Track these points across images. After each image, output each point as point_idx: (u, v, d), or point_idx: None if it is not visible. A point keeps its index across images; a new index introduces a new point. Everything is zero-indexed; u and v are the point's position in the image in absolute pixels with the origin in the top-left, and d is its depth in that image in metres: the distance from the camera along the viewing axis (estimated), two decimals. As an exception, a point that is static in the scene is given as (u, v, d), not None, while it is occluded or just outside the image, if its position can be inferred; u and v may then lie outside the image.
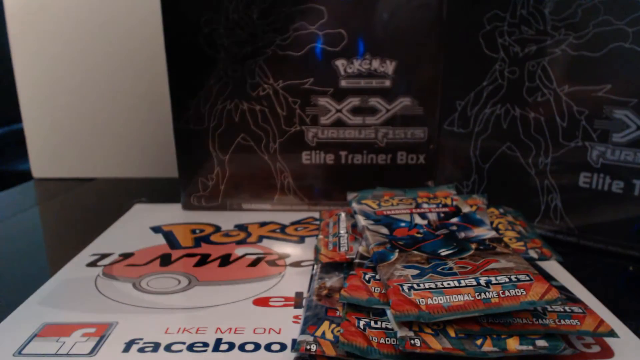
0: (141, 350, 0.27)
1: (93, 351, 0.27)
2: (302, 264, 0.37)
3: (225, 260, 0.38)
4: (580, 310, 0.26)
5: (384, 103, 0.46)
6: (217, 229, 0.45)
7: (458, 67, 0.45)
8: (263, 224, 0.45)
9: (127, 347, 0.27)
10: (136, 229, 0.45)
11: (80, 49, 0.61)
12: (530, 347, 0.24)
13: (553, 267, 0.36)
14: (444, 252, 0.31)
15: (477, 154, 0.47)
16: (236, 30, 0.44)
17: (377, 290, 0.28)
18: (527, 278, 0.26)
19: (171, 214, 0.48)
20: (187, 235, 0.43)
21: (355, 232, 0.36)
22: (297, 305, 0.31)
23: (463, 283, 0.26)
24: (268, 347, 0.27)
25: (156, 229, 0.44)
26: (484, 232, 0.33)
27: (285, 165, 0.48)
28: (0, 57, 0.66)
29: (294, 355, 0.26)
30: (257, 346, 0.27)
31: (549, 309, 0.26)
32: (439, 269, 0.28)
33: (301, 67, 0.45)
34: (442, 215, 0.36)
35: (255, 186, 0.49)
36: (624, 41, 0.37)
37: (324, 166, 0.48)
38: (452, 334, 0.25)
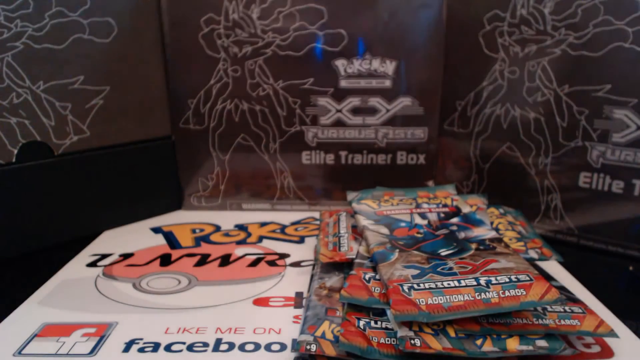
0: (141, 350, 0.27)
1: (93, 351, 0.27)
2: (302, 264, 0.37)
3: (225, 260, 0.38)
4: (580, 310, 0.27)
5: (384, 103, 0.46)
6: (217, 228, 0.45)
7: (458, 67, 0.45)
8: (263, 224, 0.45)
9: (127, 347, 0.27)
10: (136, 229, 0.45)
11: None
12: (531, 347, 0.24)
13: (553, 267, 0.36)
14: (444, 252, 0.31)
15: (477, 154, 0.47)
16: (236, 30, 0.44)
17: (377, 290, 0.28)
18: (527, 278, 0.26)
19: (171, 214, 0.48)
20: (187, 235, 0.43)
21: (355, 232, 0.36)
22: (297, 305, 0.31)
23: (463, 283, 0.26)
24: (268, 347, 0.27)
25: (156, 229, 0.44)
26: (484, 232, 0.33)
27: (285, 165, 0.48)
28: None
29: (294, 355, 0.26)
30: (257, 346, 0.27)
31: (549, 309, 0.26)
32: (439, 269, 0.28)
33: (301, 67, 0.45)
34: (442, 215, 0.36)
35: (255, 186, 0.49)
36: (624, 41, 0.37)
37: (324, 166, 0.48)
38: (452, 334, 0.25)
